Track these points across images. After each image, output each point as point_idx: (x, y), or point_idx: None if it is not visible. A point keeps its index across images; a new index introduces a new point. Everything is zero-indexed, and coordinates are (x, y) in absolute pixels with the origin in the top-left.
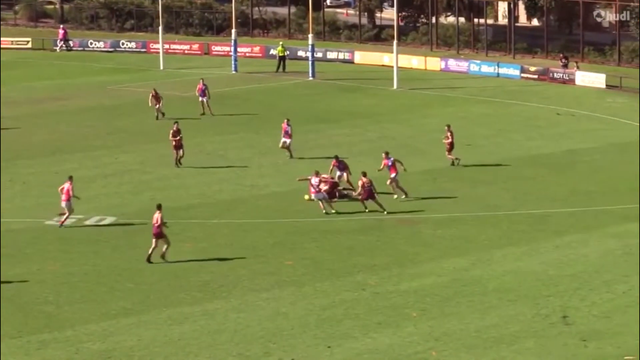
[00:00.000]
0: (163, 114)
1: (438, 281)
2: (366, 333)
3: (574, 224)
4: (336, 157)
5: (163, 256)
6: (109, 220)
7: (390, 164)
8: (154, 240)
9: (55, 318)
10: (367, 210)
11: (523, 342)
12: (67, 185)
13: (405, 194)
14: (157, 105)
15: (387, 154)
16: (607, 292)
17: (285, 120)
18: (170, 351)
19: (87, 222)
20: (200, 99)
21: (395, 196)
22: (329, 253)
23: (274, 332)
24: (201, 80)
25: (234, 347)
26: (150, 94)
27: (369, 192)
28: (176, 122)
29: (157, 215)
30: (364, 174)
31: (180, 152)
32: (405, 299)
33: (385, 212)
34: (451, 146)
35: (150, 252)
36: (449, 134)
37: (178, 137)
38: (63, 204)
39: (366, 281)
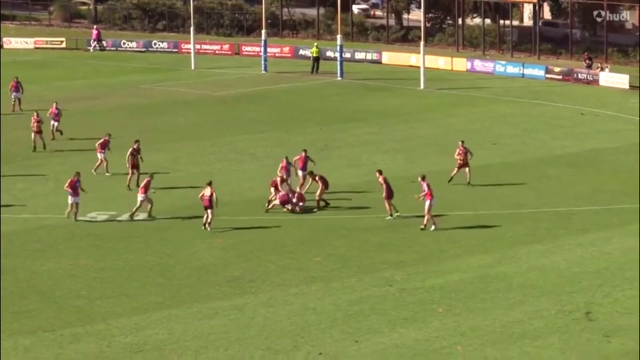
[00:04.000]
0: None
1: (463, 277)
2: (393, 328)
3: (597, 222)
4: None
5: None
6: (140, 216)
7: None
8: None
9: (87, 312)
10: None
11: (547, 338)
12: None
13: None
14: (35, 132)
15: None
16: (630, 289)
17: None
18: (201, 345)
19: (119, 218)
20: (52, 122)
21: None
22: (357, 250)
23: (302, 326)
24: (54, 104)
25: (263, 341)
26: (33, 118)
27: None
28: (137, 140)
29: None
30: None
31: (136, 172)
32: (431, 295)
33: None
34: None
35: None
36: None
37: (137, 157)
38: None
39: (393, 277)
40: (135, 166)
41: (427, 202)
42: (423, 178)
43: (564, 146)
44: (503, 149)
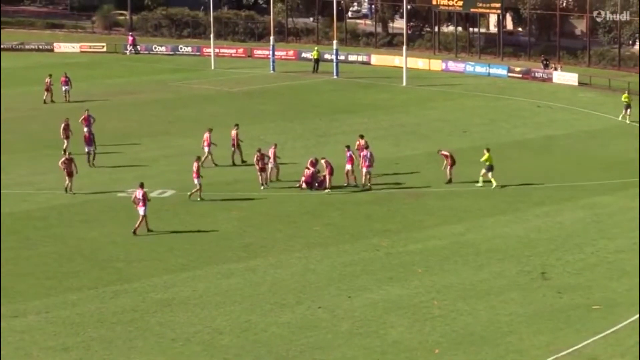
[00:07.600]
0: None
1: (439, 244)
2: (380, 286)
3: (551, 197)
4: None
5: None
6: (169, 192)
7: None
8: None
9: (125, 272)
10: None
11: (509, 294)
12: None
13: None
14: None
15: (348, 147)
16: (579, 253)
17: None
18: (219, 300)
19: (152, 194)
20: (85, 128)
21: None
22: (350, 220)
23: (304, 285)
24: (86, 111)
25: (272, 296)
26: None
27: None
28: (237, 124)
29: None
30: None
31: (238, 151)
32: (412, 258)
33: None
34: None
35: None
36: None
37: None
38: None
39: (380, 243)
40: (237, 145)
41: (347, 167)
42: (348, 148)
43: (523, 133)
44: (472, 135)
